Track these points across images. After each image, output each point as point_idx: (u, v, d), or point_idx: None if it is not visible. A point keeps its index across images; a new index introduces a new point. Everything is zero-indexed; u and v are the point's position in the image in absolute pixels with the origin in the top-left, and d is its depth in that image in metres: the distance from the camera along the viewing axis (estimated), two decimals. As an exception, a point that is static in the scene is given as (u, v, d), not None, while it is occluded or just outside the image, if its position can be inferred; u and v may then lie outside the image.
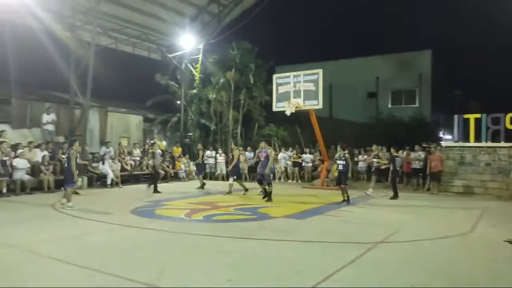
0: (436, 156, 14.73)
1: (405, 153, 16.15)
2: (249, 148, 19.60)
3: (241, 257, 5.97)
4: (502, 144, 14.29)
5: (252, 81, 21.03)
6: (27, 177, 13.02)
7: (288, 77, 16.33)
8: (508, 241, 6.92)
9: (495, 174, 14.25)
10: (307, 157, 19.20)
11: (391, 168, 13.07)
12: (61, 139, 16.97)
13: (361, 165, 18.64)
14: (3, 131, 14.03)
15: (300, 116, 17.93)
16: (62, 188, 11.18)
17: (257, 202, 11.64)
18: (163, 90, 22.76)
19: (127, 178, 16.75)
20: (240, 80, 21.23)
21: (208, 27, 21.49)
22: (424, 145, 16.55)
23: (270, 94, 17.76)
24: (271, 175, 12.25)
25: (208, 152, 20.01)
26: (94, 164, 15.81)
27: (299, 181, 18.99)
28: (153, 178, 14.33)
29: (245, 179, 17.87)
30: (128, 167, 16.94)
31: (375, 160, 14.42)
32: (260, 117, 22.08)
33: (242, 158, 18.35)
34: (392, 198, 12.79)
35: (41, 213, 9.60)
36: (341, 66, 30.29)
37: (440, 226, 8.56)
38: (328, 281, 4.86)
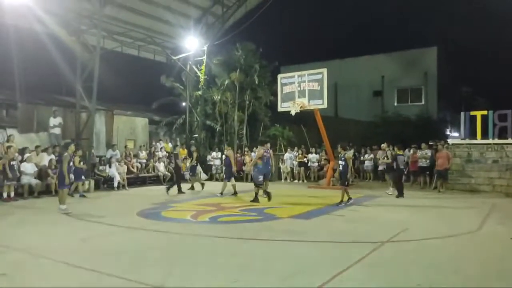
0: (443, 154, 14.63)
1: (411, 151, 16.10)
2: (254, 148, 19.57)
3: (247, 257, 5.98)
4: (510, 140, 14.17)
5: (257, 82, 21.00)
6: (34, 181, 13.12)
7: (293, 77, 16.33)
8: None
9: (502, 171, 14.11)
10: (313, 157, 19.17)
11: (394, 167, 13.05)
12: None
13: (367, 164, 18.63)
14: (10, 135, 14.16)
15: (306, 116, 17.89)
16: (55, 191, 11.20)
17: (262, 203, 11.63)
18: (168, 92, 22.84)
19: (134, 181, 16.82)
20: (245, 81, 21.22)
21: (212, 28, 21.56)
22: (431, 143, 16.47)
23: (275, 95, 17.75)
24: (260, 177, 11.77)
25: (213, 154, 20.09)
26: (100, 167, 15.91)
27: (305, 181, 18.97)
28: (177, 180, 14.47)
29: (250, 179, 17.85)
30: (135, 170, 17.01)
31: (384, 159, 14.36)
32: (266, 118, 22.11)
33: (247, 158, 18.45)
34: (397, 196, 12.75)
35: (49, 216, 9.66)
36: (346, 64, 30.19)
37: (447, 224, 8.51)
38: (335, 281, 4.84)
